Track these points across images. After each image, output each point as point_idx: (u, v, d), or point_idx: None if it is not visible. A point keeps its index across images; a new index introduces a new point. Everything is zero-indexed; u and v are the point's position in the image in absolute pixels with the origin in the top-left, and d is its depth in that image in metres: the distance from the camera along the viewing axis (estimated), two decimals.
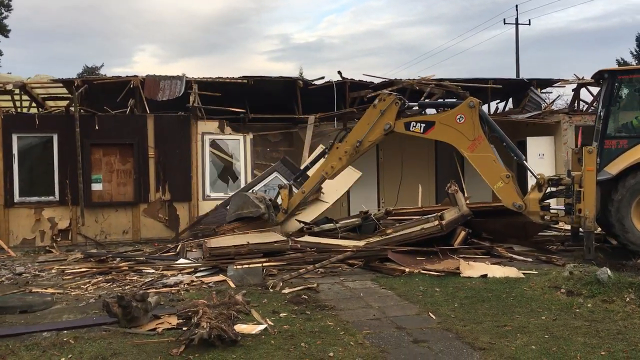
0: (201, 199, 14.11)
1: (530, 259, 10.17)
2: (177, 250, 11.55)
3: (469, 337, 5.80)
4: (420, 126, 10.71)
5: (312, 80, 15.94)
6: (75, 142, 12.90)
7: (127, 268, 9.90)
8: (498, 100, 19.10)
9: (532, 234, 11.50)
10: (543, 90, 18.01)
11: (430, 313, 6.76)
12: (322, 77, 16.01)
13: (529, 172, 10.67)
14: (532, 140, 15.93)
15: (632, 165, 9.78)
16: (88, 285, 8.95)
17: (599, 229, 10.83)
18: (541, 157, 15.97)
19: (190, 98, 13.87)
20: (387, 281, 8.63)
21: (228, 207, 12.16)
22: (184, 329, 6.24)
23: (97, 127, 13.30)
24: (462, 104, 10.49)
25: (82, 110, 13.37)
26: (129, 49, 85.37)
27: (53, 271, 10.31)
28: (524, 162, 10.50)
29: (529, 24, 42.22)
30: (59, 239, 13.30)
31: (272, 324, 6.45)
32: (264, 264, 9.39)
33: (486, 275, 8.71)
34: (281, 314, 6.89)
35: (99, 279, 9.34)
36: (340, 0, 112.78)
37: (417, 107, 11.03)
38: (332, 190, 13.37)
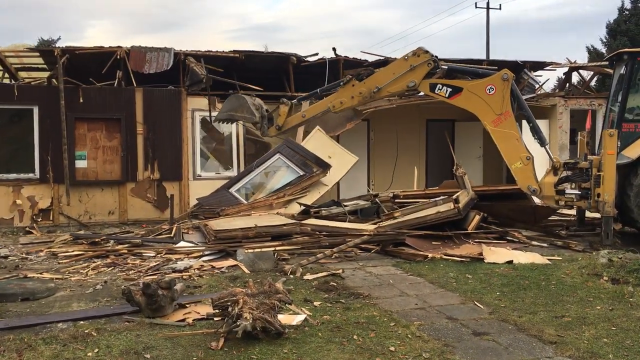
0: (192, 179, 13.42)
1: (545, 244, 9.93)
2: (173, 232, 10.88)
3: (532, 329, 5.41)
4: (447, 90, 10.17)
5: (306, 57, 15.31)
6: (58, 116, 12.02)
7: (126, 251, 9.22)
8: None
9: (542, 218, 11.28)
10: (534, 73, 17.82)
11: (475, 302, 6.37)
12: (316, 54, 15.40)
13: (549, 157, 10.30)
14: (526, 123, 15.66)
15: None
16: (87, 269, 8.25)
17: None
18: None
19: (197, 69, 12.97)
20: (410, 267, 8.22)
21: (222, 106, 11.19)
22: (216, 319, 5.71)
23: (81, 100, 12.43)
24: (496, 75, 10.02)
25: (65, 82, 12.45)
26: (80, 24, 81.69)
27: (42, 254, 9.55)
28: (546, 146, 10.16)
29: (500, 9, 42.27)
30: (39, 219, 12.43)
31: (309, 313, 5.95)
32: (277, 248, 8.85)
33: (511, 261, 8.39)
34: (315, 303, 6.38)
35: (98, 263, 8.64)
36: None
37: (445, 67, 10.43)
38: (331, 173, 12.92)
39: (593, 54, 35.77)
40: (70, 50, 13.39)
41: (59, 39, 36.12)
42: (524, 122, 10.53)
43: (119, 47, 13.86)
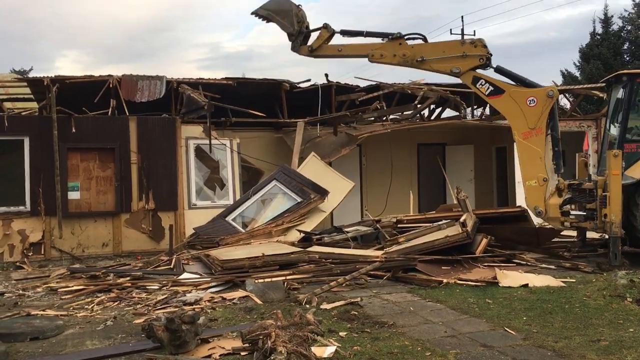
0: (187, 208, 13.13)
1: (552, 266, 9.85)
2: (173, 264, 10.57)
3: (573, 355, 5.28)
4: (488, 88, 10.19)
5: (298, 83, 15.28)
6: (50, 146, 11.73)
7: (129, 284, 8.90)
8: (476, 107, 18.99)
9: (545, 240, 11.25)
10: None
11: (505, 328, 6.22)
12: (309, 80, 15.39)
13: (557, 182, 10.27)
14: None
15: None
16: (92, 305, 7.92)
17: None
18: None
19: (195, 96, 12.73)
20: (426, 293, 8.06)
21: (267, 2, 10.86)
22: (243, 354, 5.48)
23: (74, 130, 12.12)
24: (541, 89, 10.10)
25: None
26: (50, 54, 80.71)
27: (39, 290, 9.17)
28: (559, 173, 10.16)
29: (474, 35, 43.12)
30: (30, 254, 12.00)
31: (338, 345, 5.73)
32: (287, 277, 8.64)
33: (527, 284, 8.29)
34: (340, 333, 6.17)
35: (102, 298, 8.31)
36: None
37: (494, 67, 10.38)
38: (328, 199, 12.77)
39: (567, 77, 36.56)
40: (60, 79, 13.13)
41: (31, 69, 35.82)
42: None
43: (109, 75, 13.65)
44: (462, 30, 40.85)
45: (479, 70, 10.37)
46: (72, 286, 9.00)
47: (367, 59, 10.67)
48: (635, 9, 35.42)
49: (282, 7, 10.60)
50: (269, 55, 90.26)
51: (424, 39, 10.62)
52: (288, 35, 10.78)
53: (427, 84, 15.53)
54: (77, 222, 12.28)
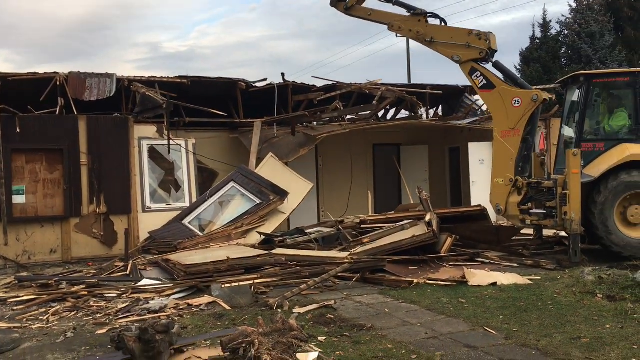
0: (141, 211, 12.62)
1: (515, 264, 9.95)
2: (129, 270, 10.10)
3: (558, 353, 5.26)
4: (482, 81, 10.39)
5: (254, 82, 14.96)
6: None
7: (86, 293, 8.41)
8: (428, 107, 19.14)
9: (505, 239, 11.37)
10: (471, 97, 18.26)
11: (485, 328, 6.17)
12: (265, 79, 15.09)
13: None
14: (473, 146, 15.99)
15: (613, 167, 9.88)
16: (48, 316, 7.43)
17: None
18: (482, 162, 16.06)
19: (152, 95, 12.22)
20: (398, 294, 7.95)
21: None
22: None
23: (18, 130, 11.44)
24: (527, 91, 10.29)
25: None
26: None
27: None
28: (523, 177, 10.31)
29: None
30: None
31: (320, 350, 5.53)
32: (256, 281, 8.36)
33: (495, 283, 8.31)
34: (319, 338, 5.98)
35: (56, 307, 7.82)
36: (212, 11, 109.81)
37: (492, 61, 10.61)
38: (288, 201, 12.57)
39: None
40: (3, 76, 12.38)
41: None
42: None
43: (55, 73, 12.99)
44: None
45: (476, 65, 10.61)
46: (23, 296, 8.44)
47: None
48: (572, 14, 36.73)
49: None
50: (210, 57, 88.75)
51: (443, 20, 11.03)
52: None
53: (384, 84, 15.50)
54: (22, 228, 11.59)
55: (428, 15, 11.01)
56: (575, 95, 10.86)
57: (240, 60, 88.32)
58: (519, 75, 37.33)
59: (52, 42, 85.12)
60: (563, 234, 11.67)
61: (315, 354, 5.40)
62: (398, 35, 11.39)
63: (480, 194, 16.12)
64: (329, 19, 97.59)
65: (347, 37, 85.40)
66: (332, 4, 11.75)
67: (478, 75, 10.39)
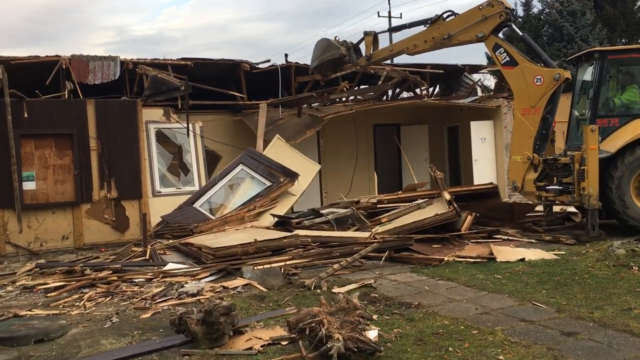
0: (151, 196, 12.48)
1: (533, 240, 10.10)
2: (148, 255, 10.00)
3: (616, 325, 5.36)
4: (505, 57, 10.32)
5: (257, 64, 14.81)
6: (4, 134, 10.75)
7: (115, 278, 8.32)
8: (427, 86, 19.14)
9: (520, 215, 11.50)
10: (470, 76, 18.34)
11: (533, 302, 6.26)
12: (268, 60, 14.95)
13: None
14: (475, 125, 16.10)
15: (629, 142, 10.03)
16: (84, 302, 7.34)
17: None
18: (483, 141, 16.22)
19: (166, 77, 11.99)
20: (430, 272, 8.00)
21: (312, 54, 11.51)
22: (284, 343, 5.22)
23: (26, 115, 11.18)
24: (550, 70, 10.18)
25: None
26: None
27: (10, 289, 8.42)
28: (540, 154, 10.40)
29: (401, 17, 43.54)
30: None
31: (378, 328, 5.56)
32: (287, 262, 8.36)
33: (523, 259, 8.43)
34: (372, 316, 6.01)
35: (89, 293, 7.73)
36: None
37: (520, 34, 10.75)
38: (298, 182, 12.52)
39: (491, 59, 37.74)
40: (4, 60, 12.06)
41: None
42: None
43: (57, 56, 12.71)
44: (389, 13, 41.17)
45: (499, 40, 10.58)
46: (51, 283, 8.32)
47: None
48: None
49: (323, 46, 11.23)
50: (179, 39, 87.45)
51: (454, 14, 10.83)
52: (342, 58, 11.20)
53: (389, 64, 15.48)
54: (33, 215, 11.38)
55: (444, 17, 10.76)
56: (588, 72, 10.97)
57: (210, 43, 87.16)
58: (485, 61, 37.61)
59: (13, 26, 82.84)
60: (571, 209, 11.92)
61: (375, 332, 5.42)
62: (418, 53, 11.19)
63: (482, 172, 16.32)
64: (297, 0, 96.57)
65: (318, 19, 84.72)
66: (353, 64, 11.48)
67: (502, 52, 10.38)
